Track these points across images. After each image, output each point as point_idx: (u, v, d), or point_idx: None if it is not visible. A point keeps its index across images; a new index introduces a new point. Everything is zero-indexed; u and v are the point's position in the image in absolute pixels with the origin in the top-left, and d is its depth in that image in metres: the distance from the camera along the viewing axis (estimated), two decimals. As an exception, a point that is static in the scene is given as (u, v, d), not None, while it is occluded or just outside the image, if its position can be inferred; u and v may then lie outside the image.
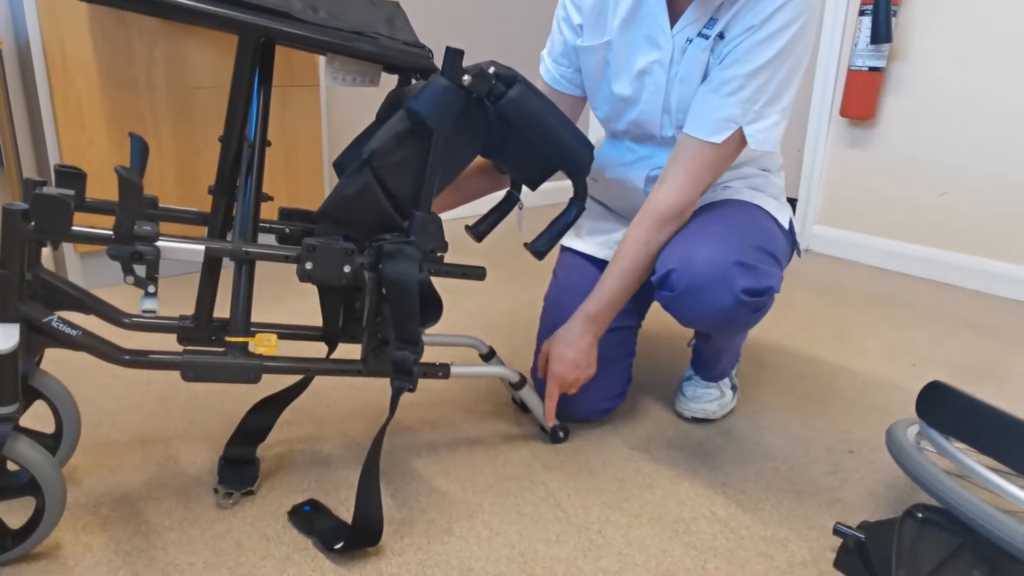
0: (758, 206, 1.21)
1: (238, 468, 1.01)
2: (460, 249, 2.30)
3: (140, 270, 0.82)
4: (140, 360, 0.86)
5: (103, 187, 1.74)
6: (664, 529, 0.99)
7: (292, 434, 1.17)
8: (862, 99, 2.32)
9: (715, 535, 0.98)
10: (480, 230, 1.18)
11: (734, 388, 1.36)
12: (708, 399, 1.30)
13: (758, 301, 1.04)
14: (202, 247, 0.85)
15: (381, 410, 1.26)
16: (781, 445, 1.23)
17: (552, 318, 1.29)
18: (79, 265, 1.76)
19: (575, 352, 1.12)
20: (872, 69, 2.26)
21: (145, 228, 0.81)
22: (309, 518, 0.94)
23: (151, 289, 0.81)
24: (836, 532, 0.94)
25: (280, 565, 0.87)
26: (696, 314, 1.06)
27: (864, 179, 2.42)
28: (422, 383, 1.37)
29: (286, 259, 0.91)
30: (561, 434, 1.19)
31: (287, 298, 1.80)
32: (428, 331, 1.33)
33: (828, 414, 1.35)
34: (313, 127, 2.10)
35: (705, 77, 1.10)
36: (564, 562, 0.91)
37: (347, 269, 0.92)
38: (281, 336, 1.08)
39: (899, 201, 2.35)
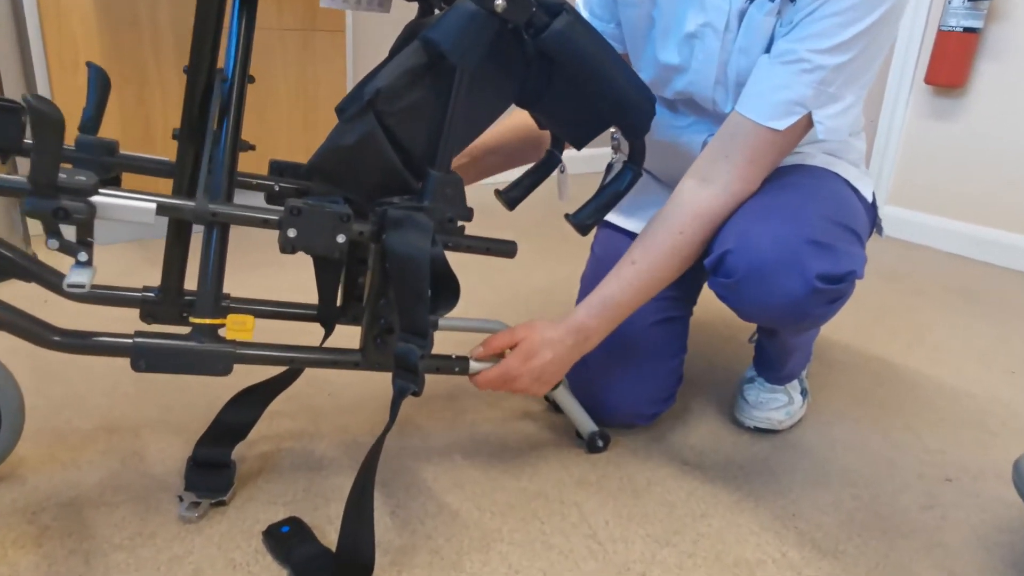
0: (835, 174, 0.99)
1: (209, 472, 0.85)
2: (488, 218, 2.10)
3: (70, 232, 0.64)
4: (76, 343, 0.69)
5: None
6: (723, 573, 0.80)
7: (282, 428, 1.00)
8: (952, 64, 2.04)
9: (788, 586, 0.79)
10: (513, 196, 0.99)
11: (804, 393, 1.15)
12: (774, 405, 1.10)
13: (836, 289, 0.83)
14: (152, 205, 0.67)
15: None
16: (861, 467, 1.02)
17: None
18: (71, 222, 1.61)
19: (550, 369, 0.89)
20: (967, 30, 1.98)
21: (78, 178, 0.63)
22: (287, 542, 0.77)
23: (82, 257, 0.63)
24: (948, 596, 0.74)
25: (246, 603, 0.71)
26: (759, 306, 0.86)
27: (947, 155, 2.15)
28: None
29: (264, 223, 0.72)
30: (600, 443, 1.00)
31: (289, 266, 1.62)
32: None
33: (913, 428, 1.13)
34: (337, 77, 1.90)
35: (771, 45, 0.88)
36: (599, 615, 0.73)
37: (341, 239, 0.74)
38: (269, 315, 0.91)
39: (986, 181, 2.07)
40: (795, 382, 1.14)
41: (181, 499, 0.82)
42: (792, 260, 0.82)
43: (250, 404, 0.89)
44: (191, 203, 0.70)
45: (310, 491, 0.87)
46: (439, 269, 0.75)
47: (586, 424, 1.00)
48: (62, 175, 0.63)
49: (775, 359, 1.09)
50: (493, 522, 0.85)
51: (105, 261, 1.58)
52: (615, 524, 0.86)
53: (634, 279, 0.90)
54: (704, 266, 0.91)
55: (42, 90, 1.53)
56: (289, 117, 1.85)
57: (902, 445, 1.08)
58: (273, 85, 1.80)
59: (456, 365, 0.87)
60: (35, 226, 1.67)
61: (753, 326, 1.40)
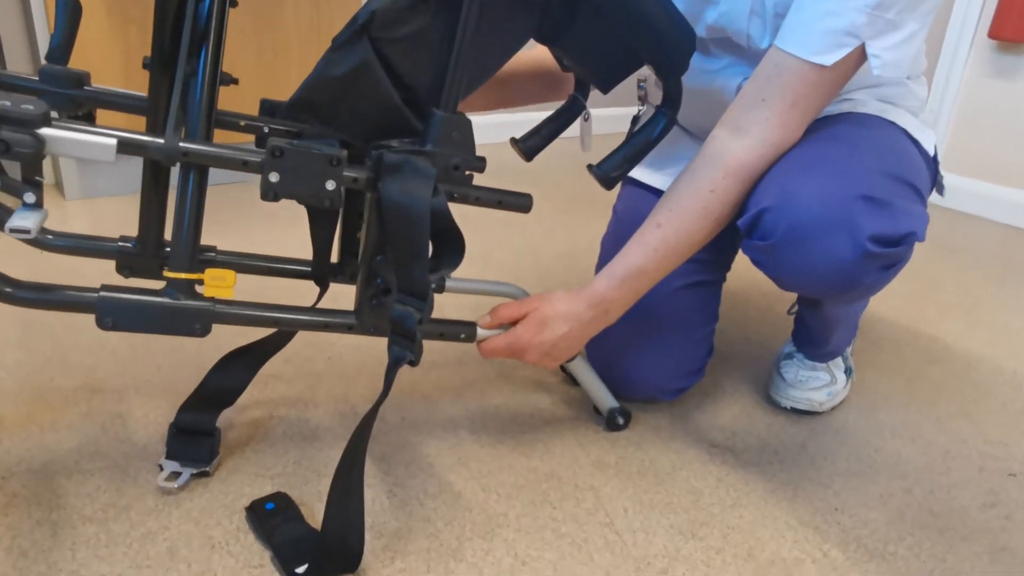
0: (891, 123, 0.87)
1: (192, 440, 0.78)
2: (504, 174, 2.00)
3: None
4: (33, 297, 0.61)
5: (105, 79, 1.50)
6: (756, 573, 0.71)
7: (276, 393, 0.93)
8: (1020, 17, 1.86)
9: (829, 590, 0.70)
10: (531, 145, 0.89)
11: (848, 371, 1.05)
12: (814, 385, 1.00)
13: (892, 253, 0.72)
14: (112, 141, 0.58)
15: (404, 368, 1.00)
16: (912, 456, 0.92)
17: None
18: (75, 170, 1.54)
19: (563, 345, 0.81)
20: (1041, -23, 1.81)
21: (24, 107, 0.55)
22: (270, 521, 0.70)
23: (29, 198, 0.55)
24: (1017, 612, 0.64)
25: (220, 589, 0.64)
26: (800, 272, 0.75)
27: (1009, 118, 1.98)
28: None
29: (244, 166, 0.64)
30: (620, 420, 0.91)
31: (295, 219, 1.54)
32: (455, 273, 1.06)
33: (971, 416, 1.02)
34: (353, 12, 1.80)
35: None
36: (613, 616, 0.65)
37: (331, 185, 0.65)
38: (259, 271, 0.82)
39: (1053, 146, 1.91)
40: (838, 359, 1.04)
41: (161, 468, 0.75)
42: (841, 219, 0.71)
43: (239, 368, 0.82)
44: (159, 140, 0.61)
45: (301, 464, 0.80)
46: (441, 222, 0.65)
47: (605, 399, 0.91)
48: (5, 102, 0.54)
49: (817, 333, 0.99)
50: (499, 505, 0.77)
51: (123, 212, 1.51)
52: (635, 512, 0.78)
53: (660, 245, 0.80)
54: (738, 227, 0.80)
55: (39, 25, 1.44)
56: (301, 60, 1.75)
57: (959, 434, 0.98)
58: (283, 26, 1.70)
59: (462, 331, 0.78)
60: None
61: (793, 295, 1.29)
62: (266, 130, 0.78)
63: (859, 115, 0.87)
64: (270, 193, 0.63)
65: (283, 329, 0.76)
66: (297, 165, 0.63)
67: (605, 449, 0.88)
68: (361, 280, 0.72)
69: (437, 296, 1.25)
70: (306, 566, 0.65)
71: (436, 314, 1.10)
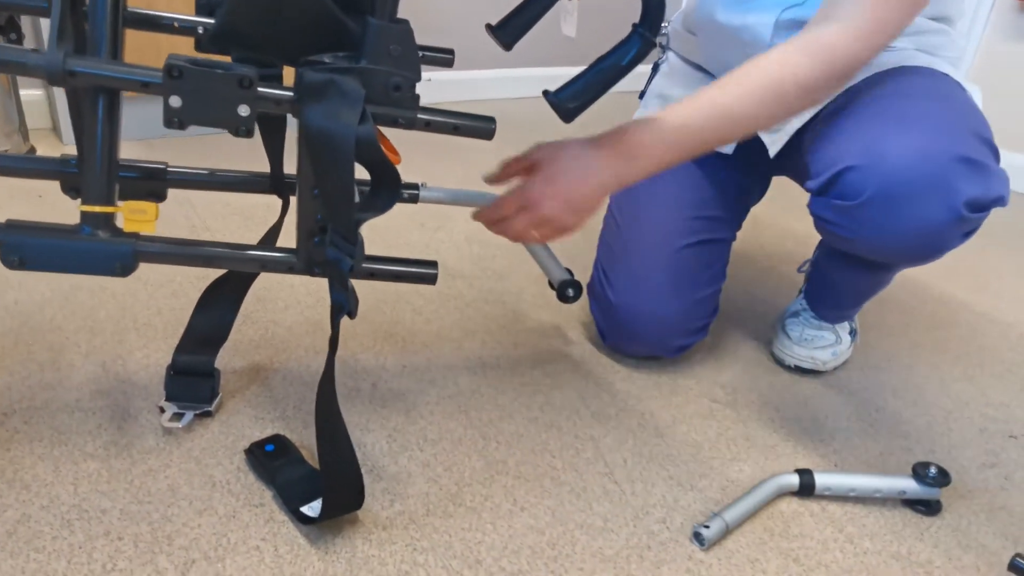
0: (946, 75, 0.81)
1: (192, 381, 0.77)
2: (505, 124, 1.97)
3: None
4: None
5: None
6: (754, 526, 0.71)
7: (277, 339, 0.92)
8: (1047, -24, 1.81)
9: (826, 543, 0.70)
10: (509, 31, 0.77)
11: (853, 333, 1.04)
12: (819, 343, 0.99)
13: (978, 218, 0.70)
14: None
15: (405, 317, 1.00)
16: (914, 417, 0.92)
17: (616, 221, 0.98)
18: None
19: (581, 190, 0.70)
20: (1070, -65, 1.74)
21: None
22: (271, 462, 0.70)
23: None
24: (1013, 567, 0.64)
25: (220, 526, 0.64)
26: (884, 235, 0.71)
27: (1029, 82, 1.93)
28: (442, 281, 1.10)
29: (144, 87, 0.57)
30: (570, 292, 0.88)
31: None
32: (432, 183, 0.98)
33: (975, 379, 1.02)
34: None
35: None
36: (610, 563, 0.65)
37: (244, 111, 0.58)
38: (215, 186, 0.78)
39: (1072, 113, 1.87)
40: (845, 321, 1.03)
41: (162, 410, 0.75)
42: (939, 180, 0.67)
43: (221, 303, 0.77)
44: (38, 56, 0.54)
45: (301, 408, 0.80)
46: (368, 154, 0.58)
47: (557, 271, 0.89)
48: None
49: (841, 296, 0.97)
50: (498, 453, 0.77)
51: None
52: (634, 463, 0.78)
53: (712, 107, 0.69)
54: (807, 188, 0.76)
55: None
56: None
57: (960, 396, 0.97)
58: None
59: (422, 272, 0.72)
60: (35, 119, 1.58)
61: (804, 253, 1.28)
62: (201, 31, 0.72)
63: (917, 68, 0.81)
64: (173, 119, 0.57)
65: (215, 268, 0.71)
66: (201, 88, 0.56)
67: (605, 402, 0.88)
68: (299, 217, 0.67)
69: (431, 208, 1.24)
70: (310, 506, 0.65)
71: (436, 252, 1.08)
